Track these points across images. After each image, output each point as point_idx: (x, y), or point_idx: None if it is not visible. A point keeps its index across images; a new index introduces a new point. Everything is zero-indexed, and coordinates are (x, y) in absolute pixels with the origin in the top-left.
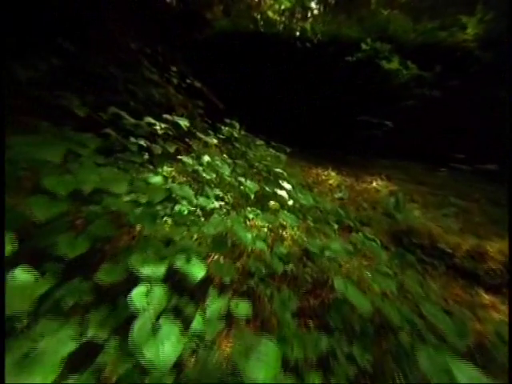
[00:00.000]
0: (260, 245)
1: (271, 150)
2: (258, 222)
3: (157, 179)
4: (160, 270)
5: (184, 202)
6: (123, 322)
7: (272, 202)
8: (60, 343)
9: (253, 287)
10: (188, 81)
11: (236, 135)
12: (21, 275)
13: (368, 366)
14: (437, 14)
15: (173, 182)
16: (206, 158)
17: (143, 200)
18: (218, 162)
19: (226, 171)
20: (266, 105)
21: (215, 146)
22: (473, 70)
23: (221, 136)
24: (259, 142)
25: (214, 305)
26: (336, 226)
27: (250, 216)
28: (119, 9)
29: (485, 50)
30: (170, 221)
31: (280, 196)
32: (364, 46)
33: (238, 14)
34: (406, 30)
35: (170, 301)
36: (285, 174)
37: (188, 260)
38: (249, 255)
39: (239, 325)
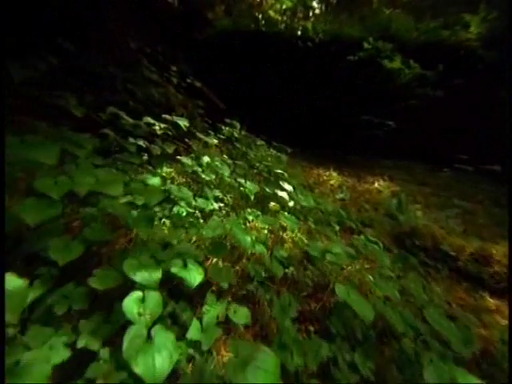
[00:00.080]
0: (259, 248)
1: (272, 150)
2: (258, 224)
3: (155, 180)
4: (155, 275)
5: (182, 204)
6: (117, 329)
7: (272, 204)
8: (51, 352)
9: (252, 291)
10: (188, 80)
11: (236, 135)
12: (12, 281)
13: (370, 374)
14: (438, 13)
15: (172, 183)
16: (206, 159)
17: (140, 202)
18: (217, 163)
19: (226, 172)
20: (267, 104)
21: (215, 146)
22: (476, 69)
23: (221, 136)
24: (260, 142)
25: (212, 311)
26: (337, 228)
27: (250, 218)
28: (120, 8)
29: (488, 49)
30: (168, 223)
31: (280, 197)
32: (366, 45)
33: (240, 14)
34: (408, 28)
35: (167, 307)
36: (285, 174)
37: (185, 265)
38: (248, 258)
39: (238, 332)
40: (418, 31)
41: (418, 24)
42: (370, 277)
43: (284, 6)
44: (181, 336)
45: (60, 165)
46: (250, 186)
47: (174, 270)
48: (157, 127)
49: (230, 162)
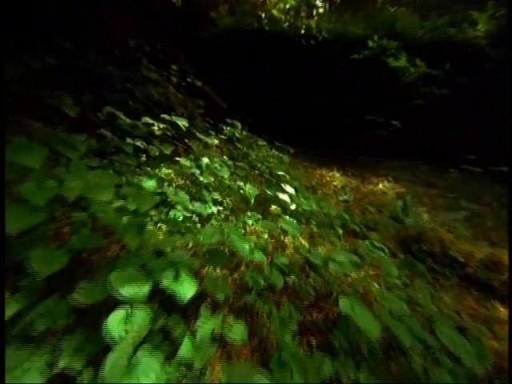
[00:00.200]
0: (258, 256)
1: (274, 150)
2: (258, 228)
3: (150, 183)
4: (144, 289)
5: (179, 208)
6: (101, 350)
7: (274, 207)
8: (28, 375)
9: (250, 302)
10: (189, 80)
11: (238, 135)
12: None
13: None
14: (444, 10)
15: (169, 185)
16: (205, 160)
17: (132, 207)
18: (216, 165)
19: (226, 174)
20: (270, 104)
21: (216, 146)
22: (484, 67)
23: (222, 136)
24: (262, 142)
25: (206, 325)
26: (341, 232)
27: (250, 222)
28: (120, 8)
29: (496, 47)
30: (164, 227)
31: (282, 200)
32: (370, 43)
33: (243, 13)
34: (414, 26)
35: (158, 321)
36: (287, 176)
37: (177, 276)
38: (247, 265)
39: (233, 349)
40: (423, 29)
41: (423, 22)
42: (376, 284)
43: (288, 5)
44: (172, 354)
45: (51, 167)
46: (250, 189)
47: (164, 282)
48: (155, 127)
49: (230, 163)
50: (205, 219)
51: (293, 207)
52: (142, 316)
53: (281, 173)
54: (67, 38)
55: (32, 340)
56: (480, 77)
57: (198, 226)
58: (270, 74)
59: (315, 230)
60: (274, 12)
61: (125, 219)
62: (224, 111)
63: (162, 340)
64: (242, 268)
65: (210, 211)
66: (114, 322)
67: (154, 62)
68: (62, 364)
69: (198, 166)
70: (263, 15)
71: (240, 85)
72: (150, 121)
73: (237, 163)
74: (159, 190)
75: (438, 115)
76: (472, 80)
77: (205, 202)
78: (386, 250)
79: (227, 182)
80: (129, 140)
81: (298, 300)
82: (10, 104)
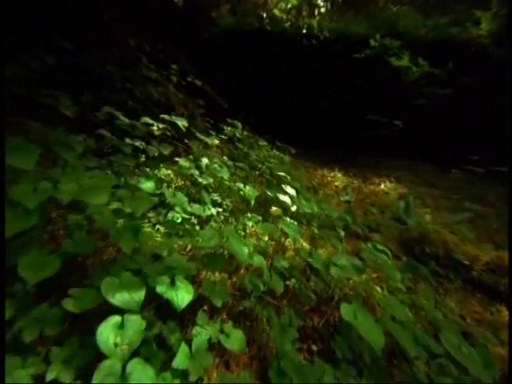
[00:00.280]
0: (258, 260)
1: (275, 150)
2: (258, 230)
3: (148, 185)
4: (137, 296)
5: (177, 209)
6: (92, 359)
7: (274, 208)
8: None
9: (249, 307)
10: (189, 79)
11: (239, 135)
12: None
13: None
14: (447, 9)
15: (168, 186)
16: (205, 161)
17: (127, 210)
18: (216, 165)
19: (225, 175)
20: (270, 104)
21: (216, 146)
22: (488, 66)
23: (223, 136)
24: (263, 142)
25: (203, 333)
26: (342, 233)
27: (250, 224)
28: (120, 8)
29: (499, 46)
30: (162, 229)
31: (283, 201)
32: (373, 43)
33: (244, 13)
34: (417, 25)
35: (153, 328)
36: (288, 177)
37: (173, 282)
38: (247, 268)
39: (231, 358)
40: (426, 28)
41: (426, 21)
42: (378, 288)
43: (289, 5)
44: (167, 362)
45: (47, 168)
46: (250, 191)
47: (159, 289)
48: (155, 127)
49: (230, 163)
50: (204, 221)
51: (294, 209)
52: (135, 323)
53: (281, 173)
54: (67, 37)
55: (23, 348)
56: (483, 76)
57: (197, 228)
58: (270, 73)
59: (316, 231)
60: (276, 11)
61: (120, 222)
62: (225, 111)
63: (156, 348)
64: (241, 271)
65: (209, 213)
66: (107, 330)
67: (154, 62)
68: (52, 375)
69: (198, 167)
70: (264, 15)
71: (241, 85)
72: (150, 121)
73: (237, 164)
74: (157, 192)
75: (439, 115)
76: (475, 80)
77: (204, 203)
78: (389, 253)
79: (227, 182)
80: (128, 140)
81: (298, 304)
82: (9, 104)
